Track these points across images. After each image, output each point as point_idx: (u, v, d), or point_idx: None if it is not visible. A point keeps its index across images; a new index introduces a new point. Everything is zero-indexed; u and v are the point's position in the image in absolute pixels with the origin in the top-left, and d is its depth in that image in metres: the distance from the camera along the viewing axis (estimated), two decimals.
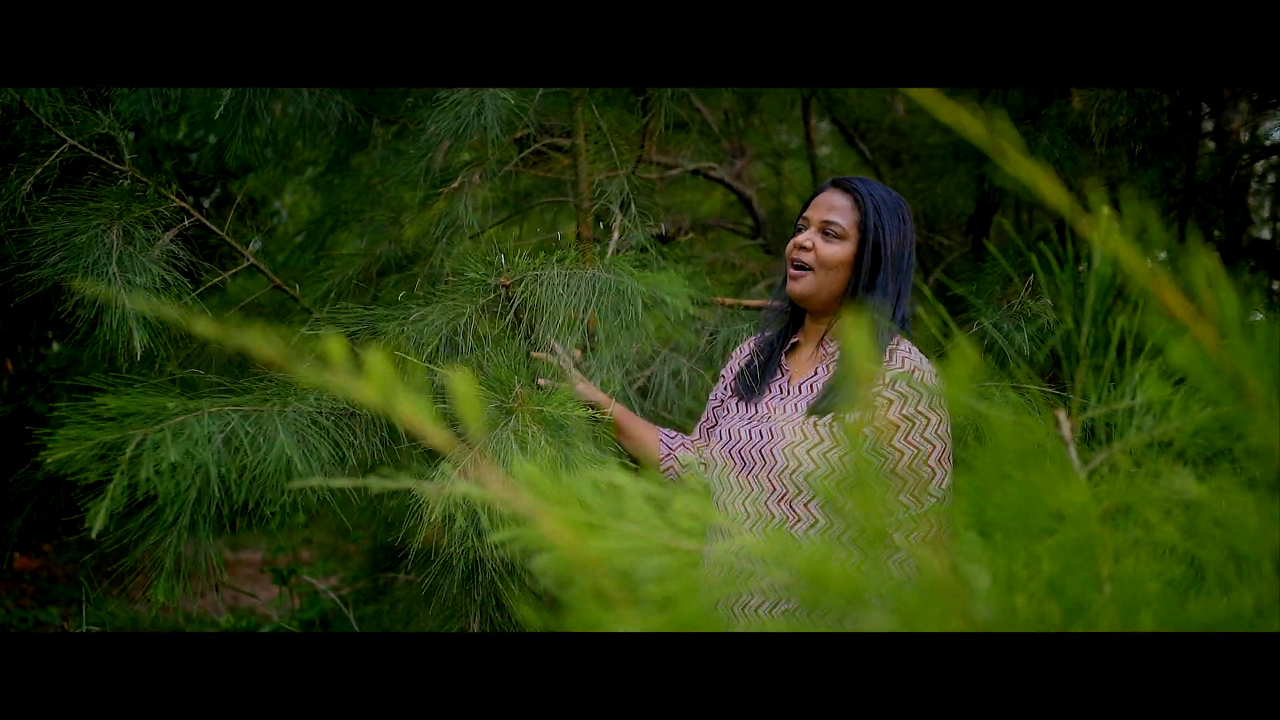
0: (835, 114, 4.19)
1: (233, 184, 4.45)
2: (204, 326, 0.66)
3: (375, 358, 0.76)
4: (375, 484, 0.94)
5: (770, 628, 1.92)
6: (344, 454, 2.08)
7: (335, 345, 0.75)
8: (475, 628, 2.24)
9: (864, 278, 1.99)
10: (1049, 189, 0.46)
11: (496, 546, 1.97)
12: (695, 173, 3.54)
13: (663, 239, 3.07)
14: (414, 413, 0.75)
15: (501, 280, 2.18)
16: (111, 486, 1.59)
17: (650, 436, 2.22)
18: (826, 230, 2.00)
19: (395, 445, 2.31)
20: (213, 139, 4.16)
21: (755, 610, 1.93)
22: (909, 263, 2.06)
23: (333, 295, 2.56)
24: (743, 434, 2.06)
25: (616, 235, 2.58)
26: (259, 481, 1.79)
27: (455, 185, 2.51)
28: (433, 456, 2.45)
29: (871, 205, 1.99)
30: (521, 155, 2.72)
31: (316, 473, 1.86)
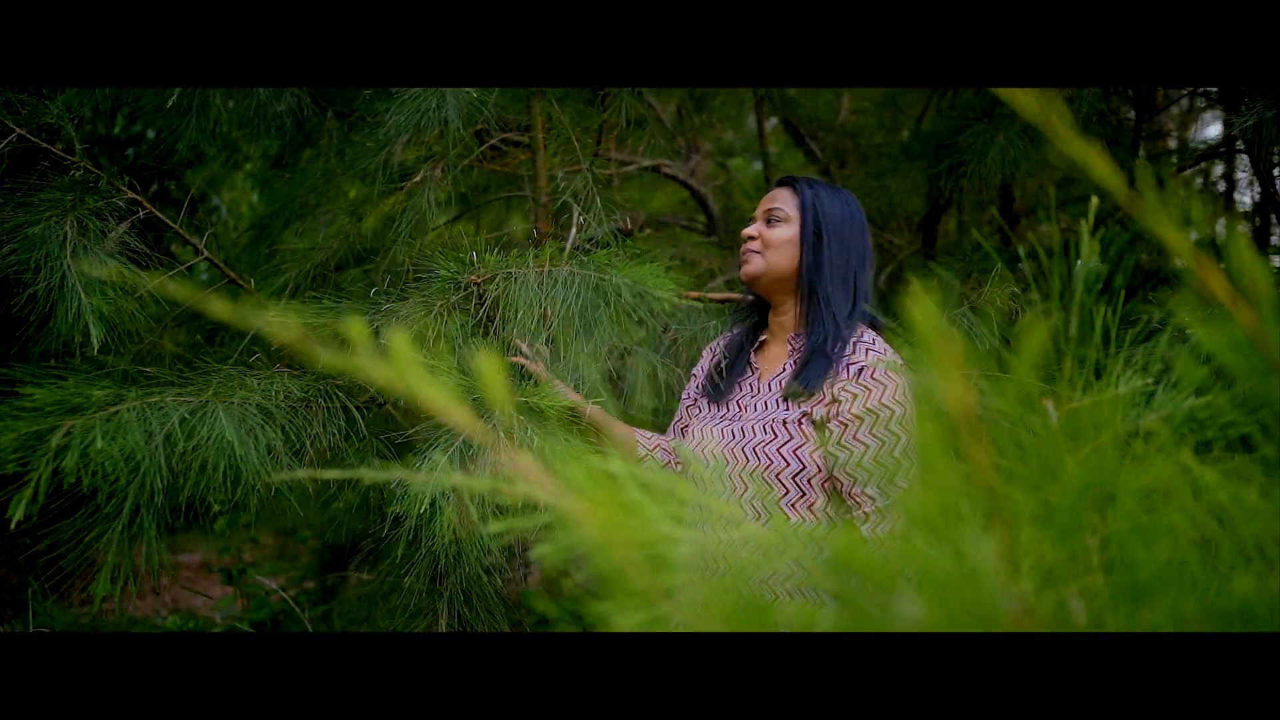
0: (785, 114, 4.23)
1: (170, 181, 4.35)
2: (220, 308, 0.64)
3: (398, 340, 0.75)
4: (368, 475, 0.92)
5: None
6: (300, 446, 2.04)
7: (357, 327, 0.74)
8: (443, 626, 2.22)
9: (809, 253, 2.05)
10: (1102, 169, 0.47)
11: (478, 540, 1.96)
12: (653, 169, 3.54)
13: (623, 234, 3.07)
14: (440, 396, 0.74)
15: (473, 278, 2.16)
16: (35, 476, 1.55)
17: (627, 437, 2.22)
18: (770, 218, 2.09)
19: (355, 437, 2.28)
20: (151, 134, 4.08)
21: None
22: (864, 250, 2.11)
23: (289, 290, 2.52)
24: (714, 434, 2.08)
25: (575, 231, 2.58)
26: (204, 475, 1.75)
27: (416, 179, 2.49)
28: (399, 450, 2.43)
29: (809, 189, 2.09)
30: (480, 150, 2.70)
31: (265, 465, 1.83)
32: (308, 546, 4.94)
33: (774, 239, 2.08)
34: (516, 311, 2.07)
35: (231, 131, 2.62)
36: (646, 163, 3.46)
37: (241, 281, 2.56)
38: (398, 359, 0.64)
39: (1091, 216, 0.90)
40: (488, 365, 0.68)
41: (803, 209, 2.08)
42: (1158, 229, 0.45)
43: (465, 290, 2.16)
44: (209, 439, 1.71)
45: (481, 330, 2.17)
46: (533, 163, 2.75)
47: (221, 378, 1.85)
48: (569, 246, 2.49)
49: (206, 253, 2.51)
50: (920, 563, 0.57)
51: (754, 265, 2.10)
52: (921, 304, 0.48)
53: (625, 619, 0.59)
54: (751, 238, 2.11)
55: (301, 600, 3.76)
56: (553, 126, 2.75)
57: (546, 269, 2.06)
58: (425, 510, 1.77)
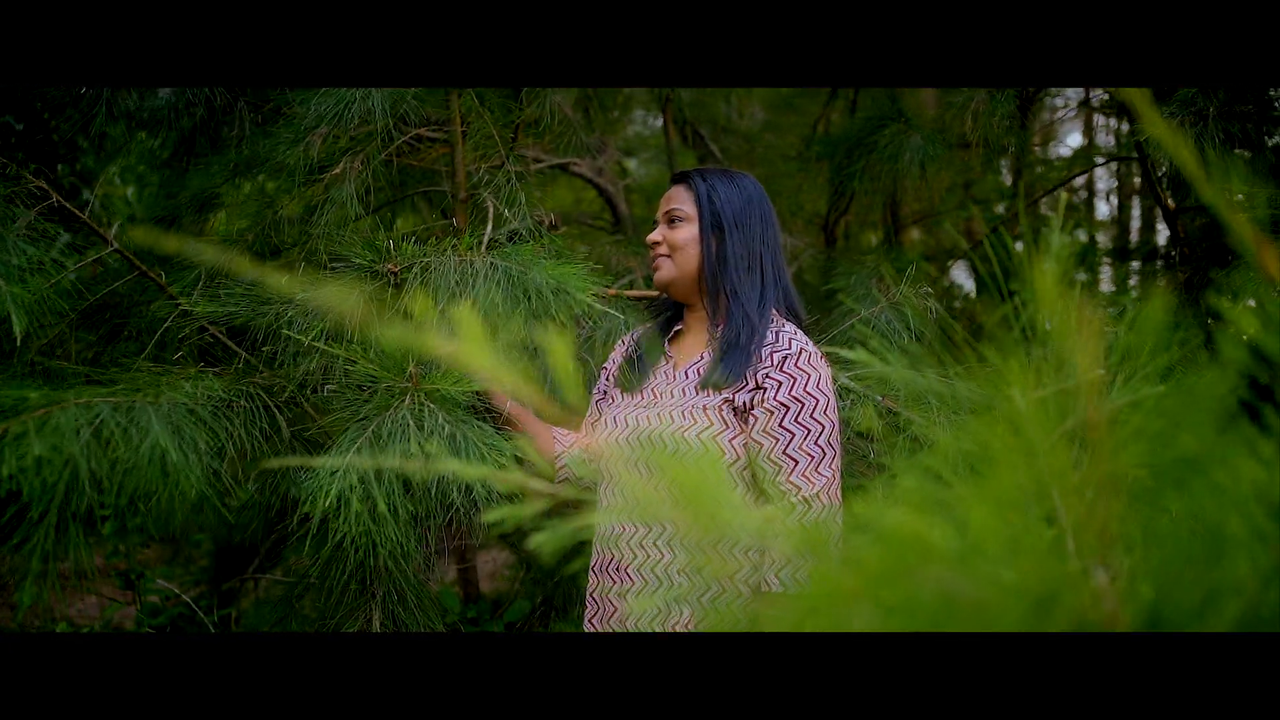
0: (688, 115, 4.32)
1: (63, 169, 4.18)
2: (276, 281, 0.66)
3: (465, 316, 0.75)
4: (277, 462, 0.94)
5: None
6: (222, 446, 2.01)
7: (422, 302, 0.75)
8: (377, 627, 2.21)
9: (711, 249, 2.06)
10: (1182, 155, 0.53)
11: (392, 535, 1.95)
12: (560, 167, 3.58)
13: (548, 228, 3.09)
14: (505, 372, 0.74)
15: (389, 266, 2.16)
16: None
17: (545, 434, 2.21)
18: (671, 218, 2.10)
19: (277, 436, 2.25)
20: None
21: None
22: (767, 234, 2.12)
23: (201, 283, 2.47)
24: (630, 420, 2.09)
25: (490, 225, 2.59)
26: (132, 475, 1.71)
27: (336, 171, 2.47)
28: (316, 447, 2.40)
29: (704, 183, 2.09)
30: (399, 143, 2.69)
31: (194, 466, 1.80)
32: (202, 549, 4.81)
33: (677, 240, 2.09)
34: (437, 301, 2.06)
35: (141, 121, 2.55)
36: (555, 161, 3.50)
37: (151, 274, 2.50)
38: (467, 335, 0.65)
39: (1061, 210, 0.95)
40: (557, 344, 0.70)
41: (699, 204, 2.08)
42: (1223, 212, 0.51)
43: (384, 279, 2.16)
44: (141, 442, 1.68)
45: (401, 318, 2.17)
46: (451, 158, 2.76)
47: (147, 377, 1.82)
48: (486, 238, 2.50)
49: (115, 244, 2.45)
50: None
51: (665, 271, 2.10)
52: (1043, 277, 0.52)
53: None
54: (657, 243, 2.11)
55: (202, 604, 3.66)
56: (471, 122, 2.76)
57: (468, 259, 2.07)
58: (332, 503, 1.75)
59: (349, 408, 1.89)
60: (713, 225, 2.08)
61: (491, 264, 2.01)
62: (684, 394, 2.05)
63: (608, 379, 2.28)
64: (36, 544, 1.64)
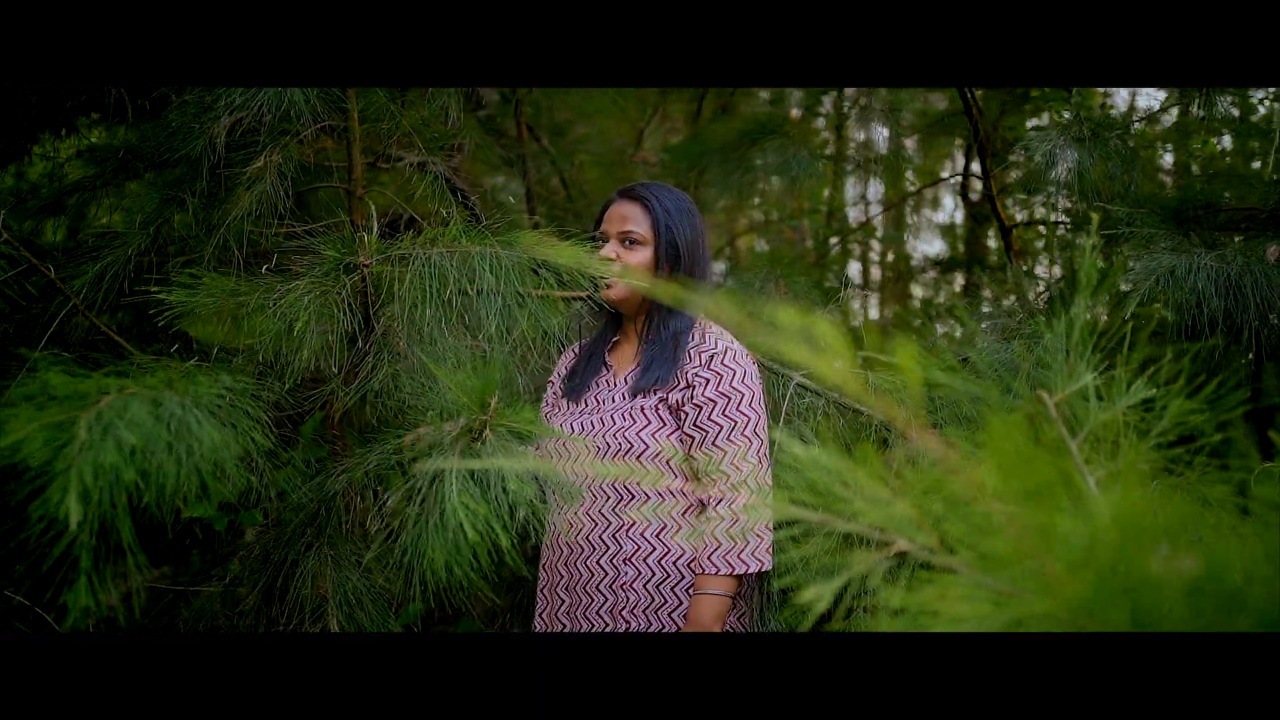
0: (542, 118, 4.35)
1: None
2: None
3: (827, 328, 0.82)
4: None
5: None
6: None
7: (787, 315, 0.82)
8: (335, 627, 2.17)
9: (669, 275, 2.21)
10: None
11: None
12: (418, 166, 3.57)
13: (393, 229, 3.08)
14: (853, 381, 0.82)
15: (362, 260, 2.13)
16: (71, 472, 1.41)
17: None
18: (626, 240, 2.21)
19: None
20: None
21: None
22: (704, 252, 2.32)
23: (109, 278, 2.30)
24: (574, 427, 2.22)
25: (363, 223, 2.60)
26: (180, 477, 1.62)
27: (259, 164, 2.39)
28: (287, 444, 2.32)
29: (661, 208, 2.22)
30: (303, 135, 2.61)
31: (241, 466, 1.73)
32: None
33: (634, 263, 2.19)
34: (417, 296, 2.07)
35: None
36: (414, 159, 3.47)
37: (45, 269, 2.29)
38: (831, 345, 0.75)
39: (1095, 229, 1.20)
40: (906, 355, 0.82)
41: (657, 232, 2.20)
42: None
43: (358, 273, 2.13)
44: (200, 443, 1.61)
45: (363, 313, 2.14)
46: (348, 154, 2.73)
47: (170, 371, 1.72)
48: (374, 234, 2.50)
49: (8, 234, 2.23)
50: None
51: (619, 291, 2.20)
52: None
53: None
54: (611, 260, 2.19)
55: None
56: (366, 120, 2.74)
57: (465, 249, 2.09)
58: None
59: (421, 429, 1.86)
60: (669, 255, 2.21)
61: (492, 253, 2.05)
62: (624, 398, 2.19)
63: (554, 392, 2.39)
64: (82, 543, 1.53)
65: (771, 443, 2.19)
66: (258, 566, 2.33)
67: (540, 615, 2.28)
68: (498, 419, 1.75)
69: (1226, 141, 4.06)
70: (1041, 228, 4.54)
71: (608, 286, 2.20)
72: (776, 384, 2.46)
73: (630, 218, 2.22)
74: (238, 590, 2.46)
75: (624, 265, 2.20)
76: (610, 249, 2.21)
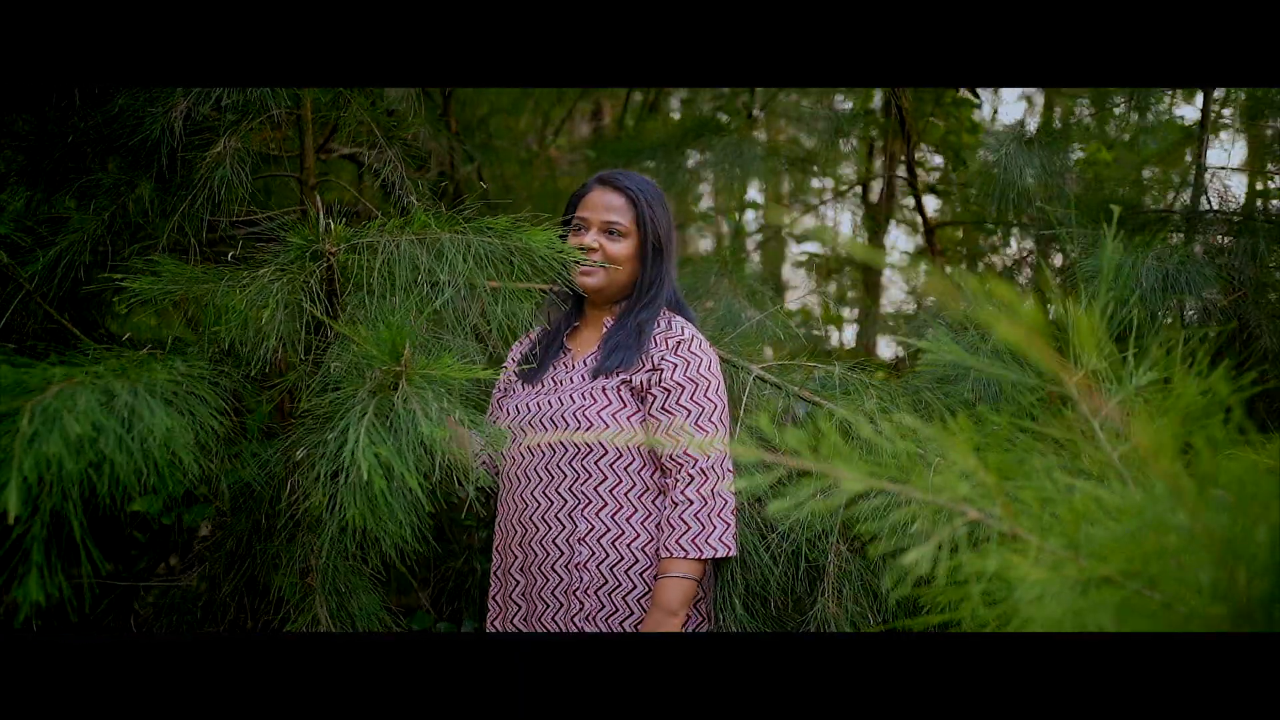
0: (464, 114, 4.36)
1: None
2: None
3: (1020, 301, 0.81)
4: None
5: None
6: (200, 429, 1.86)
7: (1000, 288, 0.81)
8: (325, 625, 2.13)
9: (650, 269, 2.22)
10: None
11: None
12: (349, 158, 3.59)
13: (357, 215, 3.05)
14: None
15: (329, 248, 2.09)
16: (15, 461, 1.36)
17: (462, 431, 2.26)
18: (610, 230, 2.20)
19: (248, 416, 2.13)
20: None
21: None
22: (674, 242, 2.34)
23: (62, 265, 2.24)
24: (531, 406, 2.21)
25: (323, 211, 2.56)
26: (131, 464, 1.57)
27: (218, 150, 2.34)
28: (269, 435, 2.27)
29: (644, 200, 2.22)
30: (254, 123, 2.56)
31: (193, 450, 1.68)
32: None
33: (617, 256, 2.19)
34: (390, 283, 2.03)
35: None
36: (346, 151, 3.47)
37: None
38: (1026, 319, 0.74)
39: (1114, 224, 1.21)
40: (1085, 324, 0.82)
41: (640, 224, 2.20)
42: None
43: (324, 260, 2.09)
44: (151, 427, 1.56)
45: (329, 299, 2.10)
46: (299, 143, 2.70)
47: (122, 359, 1.67)
48: (322, 227, 2.46)
49: None
50: None
51: (598, 279, 2.20)
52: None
53: None
54: (592, 249, 2.19)
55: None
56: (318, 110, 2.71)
57: (436, 235, 2.06)
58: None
59: (334, 390, 1.84)
60: (651, 247, 2.21)
61: (464, 238, 2.02)
62: (583, 379, 2.19)
63: (509, 376, 2.36)
64: (34, 536, 1.48)
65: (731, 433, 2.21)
66: (228, 561, 2.30)
67: (494, 597, 2.27)
68: (413, 369, 1.72)
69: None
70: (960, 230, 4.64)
71: (585, 275, 2.19)
72: (736, 376, 2.46)
73: (614, 207, 2.21)
74: (200, 586, 2.42)
75: (606, 255, 2.19)
76: (592, 237, 2.21)
